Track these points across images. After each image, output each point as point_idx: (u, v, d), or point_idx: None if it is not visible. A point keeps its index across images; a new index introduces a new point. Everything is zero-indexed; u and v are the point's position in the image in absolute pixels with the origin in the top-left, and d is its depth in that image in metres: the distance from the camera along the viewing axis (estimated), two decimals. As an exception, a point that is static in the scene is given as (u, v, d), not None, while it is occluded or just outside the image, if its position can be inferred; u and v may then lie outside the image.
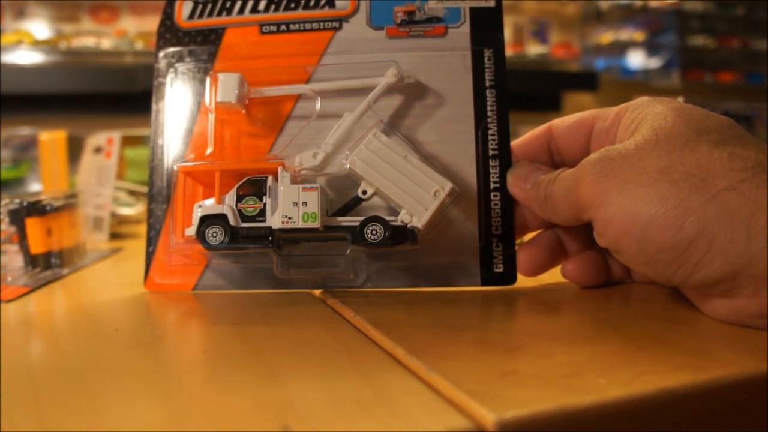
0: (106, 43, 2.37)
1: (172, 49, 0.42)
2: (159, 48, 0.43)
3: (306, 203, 0.37)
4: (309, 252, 0.39)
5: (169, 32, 0.43)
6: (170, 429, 0.23)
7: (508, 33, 2.86)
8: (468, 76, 0.40)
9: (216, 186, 0.38)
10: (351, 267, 0.39)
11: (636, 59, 3.10)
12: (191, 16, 0.42)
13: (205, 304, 0.39)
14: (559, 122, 0.39)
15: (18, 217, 0.48)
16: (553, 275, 0.41)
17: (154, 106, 0.42)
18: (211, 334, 0.34)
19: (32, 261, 0.48)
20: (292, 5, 0.42)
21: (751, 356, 0.27)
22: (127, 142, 0.77)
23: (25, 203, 0.48)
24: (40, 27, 2.38)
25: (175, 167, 0.40)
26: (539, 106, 2.61)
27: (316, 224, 0.37)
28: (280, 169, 0.38)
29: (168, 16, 0.43)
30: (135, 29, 2.43)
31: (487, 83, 0.40)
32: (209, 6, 0.42)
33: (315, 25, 0.41)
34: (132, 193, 0.82)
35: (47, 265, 0.49)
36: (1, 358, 0.30)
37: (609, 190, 0.32)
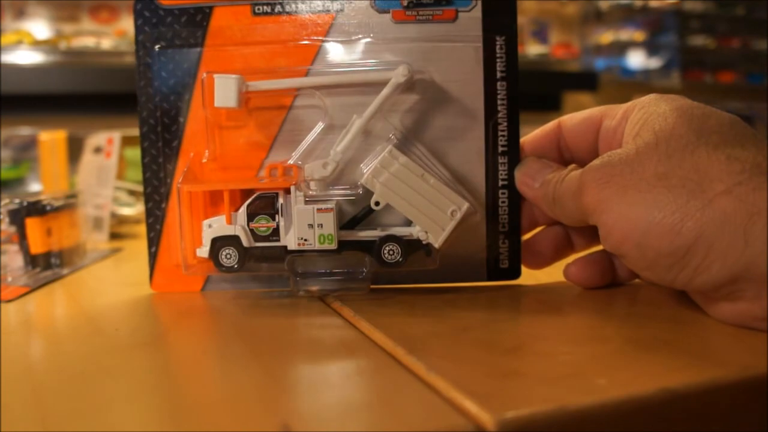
0: (106, 43, 2.37)
1: (152, 31, 0.39)
2: (138, 30, 0.39)
3: (322, 225, 0.37)
4: (324, 267, 0.38)
5: (147, 10, 0.39)
6: (170, 429, 0.23)
7: (508, 33, 2.84)
8: (479, 67, 0.39)
9: (225, 205, 0.38)
10: (369, 277, 0.38)
11: (636, 59, 3.10)
12: None
13: (205, 304, 0.39)
14: (568, 119, 0.39)
15: (18, 217, 0.48)
16: (554, 275, 0.41)
17: (140, 98, 0.40)
18: (211, 334, 0.34)
19: (32, 261, 0.48)
20: None
21: (752, 356, 0.27)
22: (127, 142, 0.77)
23: (25, 203, 0.48)
24: (40, 27, 2.37)
25: (178, 186, 0.39)
26: (539, 106, 2.61)
27: (332, 246, 0.37)
28: (292, 189, 0.37)
29: None
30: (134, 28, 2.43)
31: (498, 74, 0.39)
32: None
33: (314, 6, 0.39)
34: (132, 193, 0.82)
35: (47, 265, 0.49)
36: (1, 358, 0.30)
37: (610, 196, 0.32)
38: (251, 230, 0.38)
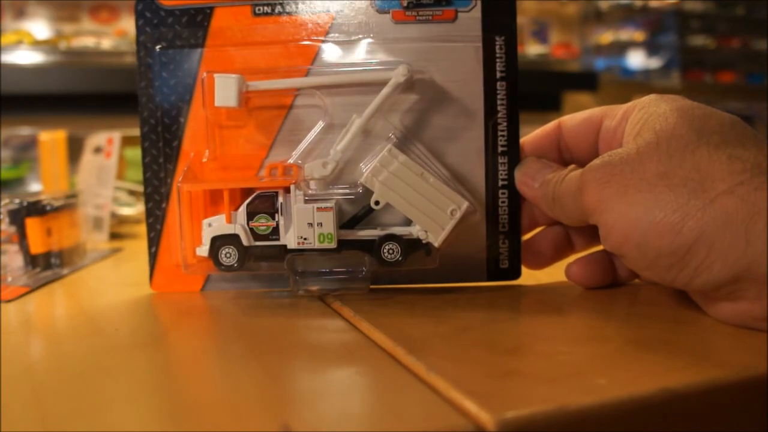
0: (106, 43, 2.37)
1: (153, 31, 0.39)
2: (139, 30, 0.40)
3: (321, 224, 0.37)
4: (324, 266, 0.38)
5: (148, 10, 0.40)
6: (170, 429, 0.23)
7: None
8: (479, 67, 0.39)
9: (225, 204, 0.38)
10: (369, 277, 0.38)
11: (636, 59, 3.10)
12: None
13: (205, 304, 0.39)
14: (569, 119, 0.39)
15: (18, 217, 0.48)
16: (554, 275, 0.41)
17: (141, 99, 0.40)
18: (211, 334, 0.34)
19: (32, 261, 0.48)
20: None
21: (752, 356, 0.27)
22: (127, 142, 0.77)
23: (25, 203, 0.48)
24: (40, 27, 2.37)
25: (177, 185, 0.39)
26: (539, 106, 2.61)
27: (332, 245, 0.37)
28: (292, 188, 0.37)
29: None
30: (135, 29, 2.43)
31: (498, 74, 0.39)
32: None
33: (314, 6, 0.39)
34: (132, 193, 0.82)
35: (47, 265, 0.49)
36: (1, 358, 0.30)
37: (611, 196, 0.32)
38: (251, 229, 0.38)
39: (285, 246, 0.38)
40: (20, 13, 2.37)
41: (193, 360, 0.30)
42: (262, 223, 0.38)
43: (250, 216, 0.38)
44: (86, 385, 0.27)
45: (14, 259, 0.48)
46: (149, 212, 0.40)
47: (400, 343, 0.29)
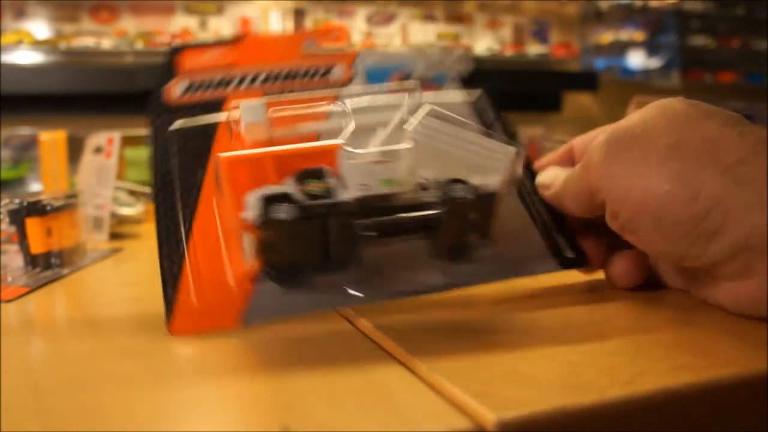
0: (106, 43, 2.37)
1: (166, 117, 0.38)
2: (151, 117, 0.39)
3: (380, 172, 0.34)
4: (385, 258, 0.36)
5: (158, 105, 0.38)
6: (170, 429, 0.23)
7: (508, 33, 2.87)
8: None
9: (269, 173, 0.34)
10: (431, 267, 0.37)
11: (636, 59, 3.10)
12: (185, 92, 0.39)
13: (205, 304, 0.39)
14: (577, 139, 0.41)
15: (18, 217, 0.48)
16: (554, 275, 0.40)
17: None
18: (210, 334, 0.34)
19: (32, 261, 0.48)
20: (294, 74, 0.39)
21: (752, 356, 0.27)
22: (127, 142, 0.76)
23: (25, 203, 0.48)
24: (40, 27, 2.38)
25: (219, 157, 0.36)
26: (539, 106, 2.61)
27: (399, 189, 0.34)
28: (339, 150, 0.35)
29: (158, 95, 0.39)
30: (135, 29, 2.43)
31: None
32: (205, 84, 0.39)
33: (317, 91, 0.39)
34: (132, 193, 0.82)
35: (47, 265, 0.49)
36: (1, 358, 0.30)
37: (618, 170, 0.32)
38: (303, 191, 0.34)
39: (341, 202, 0.34)
40: (20, 13, 2.37)
41: (193, 360, 0.30)
42: (314, 186, 0.34)
43: (300, 182, 0.34)
44: (86, 385, 0.27)
45: (14, 259, 0.48)
46: (166, 256, 0.36)
47: (400, 343, 0.29)
